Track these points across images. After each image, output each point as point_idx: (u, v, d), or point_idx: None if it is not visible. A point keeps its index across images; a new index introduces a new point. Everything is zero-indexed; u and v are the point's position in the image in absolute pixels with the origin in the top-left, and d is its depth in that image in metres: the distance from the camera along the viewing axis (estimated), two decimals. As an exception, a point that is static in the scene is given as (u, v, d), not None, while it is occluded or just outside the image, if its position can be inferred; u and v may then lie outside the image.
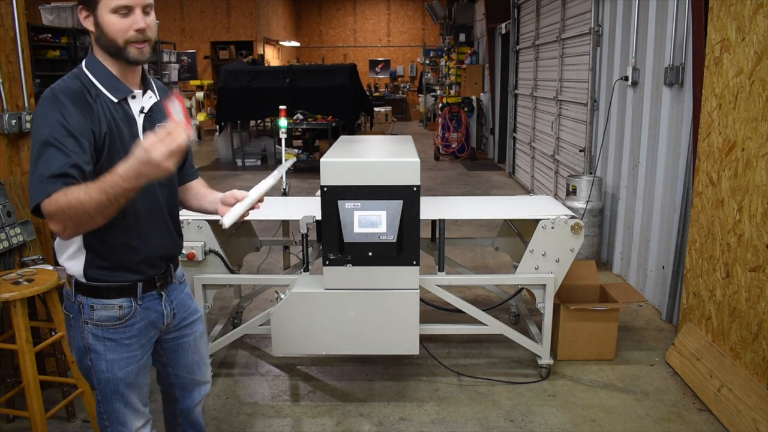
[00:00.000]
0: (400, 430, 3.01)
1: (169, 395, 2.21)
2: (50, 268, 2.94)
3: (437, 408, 3.18)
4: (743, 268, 3.02)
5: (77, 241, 1.80)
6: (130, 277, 1.86)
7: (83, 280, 1.83)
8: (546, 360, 3.43)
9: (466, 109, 11.92)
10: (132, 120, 1.82)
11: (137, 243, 1.84)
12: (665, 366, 3.60)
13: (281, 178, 2.07)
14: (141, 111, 1.85)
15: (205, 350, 2.24)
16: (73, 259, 1.83)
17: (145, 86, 1.88)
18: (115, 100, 1.78)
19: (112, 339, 1.86)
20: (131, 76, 1.83)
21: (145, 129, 1.84)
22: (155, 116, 1.88)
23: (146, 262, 1.89)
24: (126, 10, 1.71)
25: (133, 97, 1.83)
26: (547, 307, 3.33)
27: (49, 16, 9.10)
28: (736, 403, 2.93)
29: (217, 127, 11.89)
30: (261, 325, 3.39)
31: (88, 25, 1.75)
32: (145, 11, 1.74)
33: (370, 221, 2.90)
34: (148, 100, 1.88)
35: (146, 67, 1.86)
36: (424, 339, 3.48)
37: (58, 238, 1.80)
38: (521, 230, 3.79)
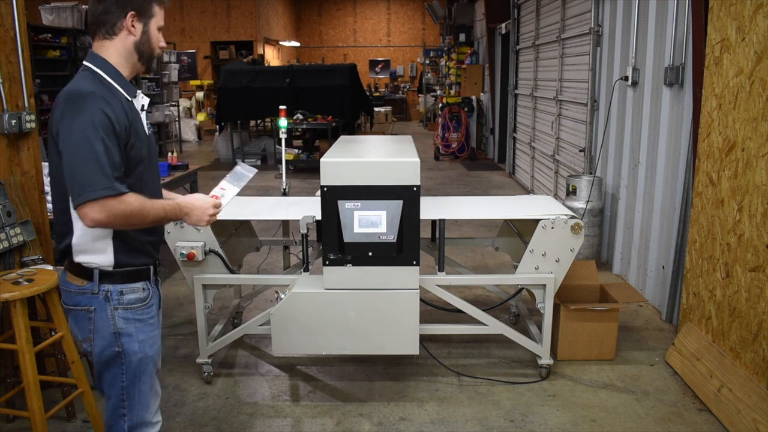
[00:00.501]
0: (400, 430, 3.01)
1: None
2: (50, 268, 2.94)
3: (437, 408, 3.18)
4: (743, 268, 3.02)
5: (103, 234, 1.94)
6: (145, 260, 2.05)
7: (110, 269, 1.97)
8: (546, 360, 3.43)
9: (466, 109, 11.92)
10: (138, 116, 2.00)
11: (154, 229, 2.07)
12: (665, 366, 3.60)
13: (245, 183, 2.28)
14: (142, 108, 2.04)
15: None
16: (100, 253, 1.96)
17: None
18: (130, 99, 1.98)
19: (140, 320, 2.02)
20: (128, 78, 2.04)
21: (147, 124, 2.07)
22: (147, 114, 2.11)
23: (155, 244, 2.10)
24: (161, 30, 2.04)
25: (135, 96, 2.01)
26: (547, 307, 3.33)
27: (49, 16, 9.10)
28: (736, 403, 2.93)
29: (217, 127, 11.89)
30: (261, 325, 3.39)
31: (133, 29, 1.96)
32: None
33: (370, 221, 2.90)
34: (143, 99, 2.06)
35: None
36: (424, 339, 3.48)
37: (79, 237, 1.94)
38: (521, 230, 3.79)
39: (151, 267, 2.06)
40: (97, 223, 1.80)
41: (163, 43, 2.06)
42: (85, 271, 1.96)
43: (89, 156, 1.78)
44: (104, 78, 1.91)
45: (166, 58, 13.15)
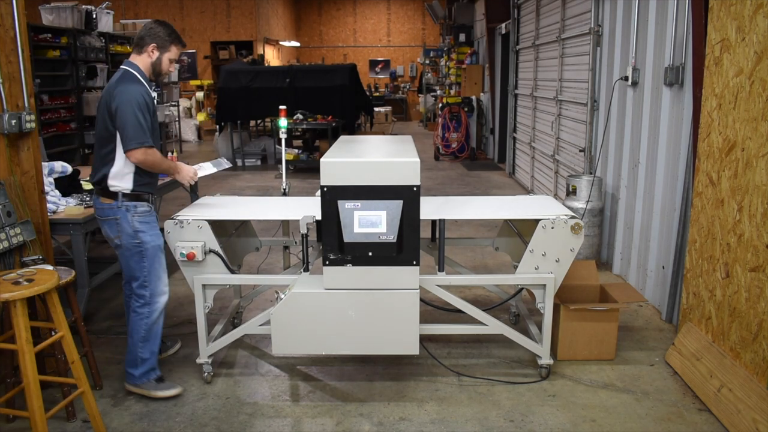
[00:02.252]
0: (400, 430, 3.01)
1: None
2: (50, 268, 2.94)
3: (437, 408, 3.18)
4: (743, 268, 3.02)
5: (130, 170, 3.14)
6: (146, 191, 3.24)
7: (129, 191, 3.17)
8: (546, 360, 3.43)
9: (466, 109, 11.92)
10: (154, 102, 3.25)
11: (153, 174, 3.27)
12: (665, 366, 3.60)
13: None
14: (153, 97, 3.27)
15: None
16: (124, 181, 3.15)
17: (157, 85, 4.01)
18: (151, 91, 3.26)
19: (148, 222, 3.23)
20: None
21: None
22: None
23: (151, 185, 3.28)
24: (172, 62, 3.27)
25: (152, 90, 3.27)
26: (547, 307, 3.33)
27: (49, 16, 9.09)
28: (736, 403, 2.93)
29: (217, 127, 11.89)
30: (261, 325, 3.39)
31: (152, 54, 3.20)
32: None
33: (370, 221, 2.90)
34: (154, 93, 3.35)
35: None
36: (424, 339, 3.48)
37: (115, 171, 3.12)
38: (521, 230, 3.79)
39: (151, 195, 3.27)
40: (138, 162, 3.06)
41: (172, 69, 3.30)
42: (112, 194, 3.14)
43: (134, 120, 3.01)
44: (138, 77, 3.16)
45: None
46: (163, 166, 3.16)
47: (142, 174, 3.18)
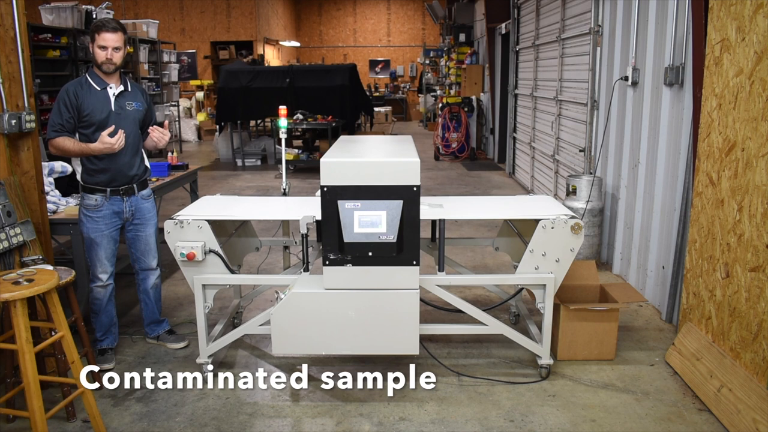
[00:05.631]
0: (400, 430, 3.01)
1: (137, 276, 3.77)
2: (50, 268, 2.94)
3: (437, 408, 3.18)
4: (743, 268, 3.02)
5: (78, 163, 3.43)
6: (98, 182, 3.43)
7: (82, 184, 3.45)
8: (546, 360, 3.43)
9: (466, 109, 11.91)
10: (100, 97, 3.38)
11: (107, 167, 3.42)
12: (665, 366, 3.60)
13: None
14: (113, 94, 3.43)
15: (153, 245, 3.72)
16: (79, 174, 3.45)
17: (122, 83, 3.49)
18: (99, 89, 3.40)
19: (91, 216, 3.47)
20: (111, 78, 3.44)
21: (116, 103, 3.43)
22: (123, 98, 3.48)
23: (108, 182, 3.44)
24: (103, 48, 3.33)
25: (111, 87, 3.42)
26: (547, 307, 3.33)
27: (49, 16, 9.09)
28: (736, 403, 2.93)
29: (217, 127, 11.89)
30: (261, 325, 3.39)
31: (90, 49, 3.41)
32: (115, 49, 3.34)
33: (370, 221, 2.90)
34: (116, 89, 3.44)
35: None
36: (424, 339, 3.48)
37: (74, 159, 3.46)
38: (521, 230, 3.79)
39: (108, 189, 3.44)
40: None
41: (107, 56, 3.33)
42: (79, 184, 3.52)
43: (52, 113, 3.30)
44: (86, 77, 3.40)
45: (166, 58, 13.15)
46: (75, 150, 3.31)
47: (89, 170, 3.41)
